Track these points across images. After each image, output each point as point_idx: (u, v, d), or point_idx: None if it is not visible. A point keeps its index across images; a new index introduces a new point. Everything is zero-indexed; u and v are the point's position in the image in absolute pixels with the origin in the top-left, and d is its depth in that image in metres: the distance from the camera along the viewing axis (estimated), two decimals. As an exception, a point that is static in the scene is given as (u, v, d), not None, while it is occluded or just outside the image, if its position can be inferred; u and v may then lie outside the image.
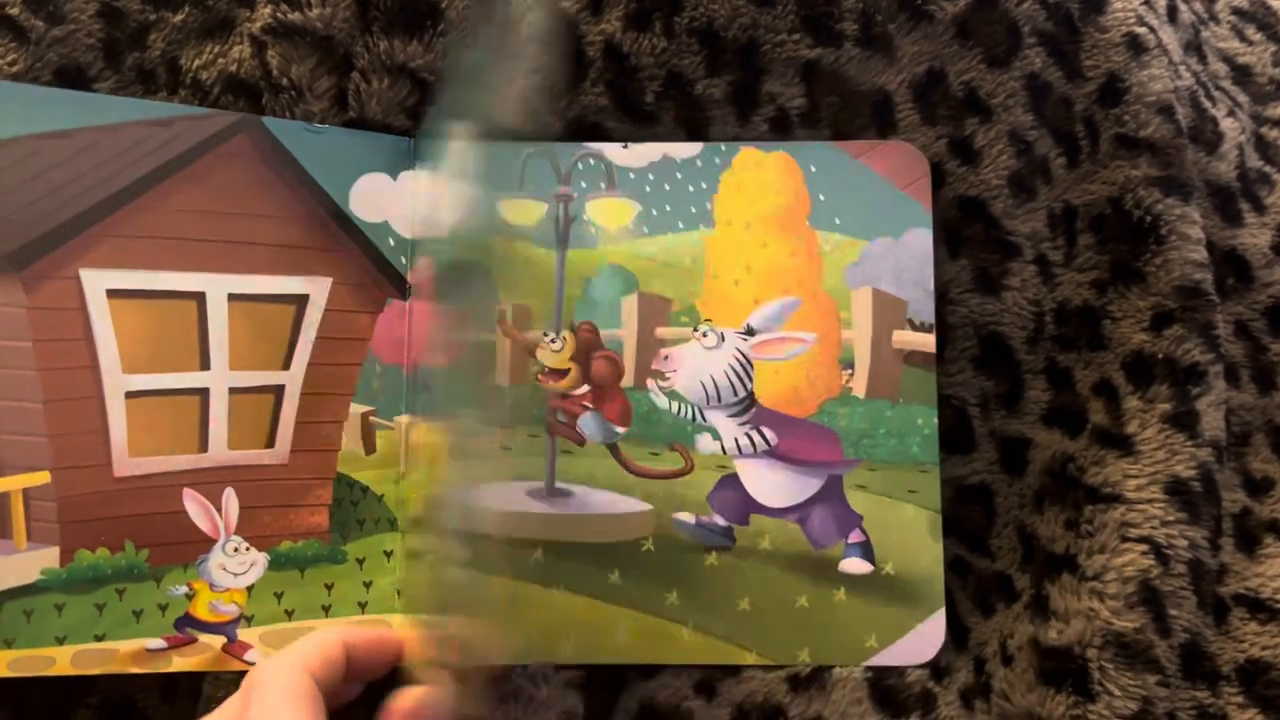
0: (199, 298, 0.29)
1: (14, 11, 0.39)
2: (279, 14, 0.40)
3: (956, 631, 0.40)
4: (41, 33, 0.39)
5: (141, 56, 0.40)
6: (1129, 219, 0.41)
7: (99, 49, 0.40)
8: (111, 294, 0.28)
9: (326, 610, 0.36)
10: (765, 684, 0.39)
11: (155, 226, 0.29)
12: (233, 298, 0.29)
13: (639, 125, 0.43)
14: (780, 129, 0.42)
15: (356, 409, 0.35)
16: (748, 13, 0.41)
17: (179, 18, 0.41)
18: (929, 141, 0.42)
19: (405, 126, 0.41)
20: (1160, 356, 0.40)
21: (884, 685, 0.39)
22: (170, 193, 0.29)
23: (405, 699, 0.32)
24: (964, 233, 0.42)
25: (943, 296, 0.42)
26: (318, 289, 0.31)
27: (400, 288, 0.34)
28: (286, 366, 0.30)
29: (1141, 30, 0.42)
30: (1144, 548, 0.38)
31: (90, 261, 0.27)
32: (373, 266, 0.33)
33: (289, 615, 0.36)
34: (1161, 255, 0.40)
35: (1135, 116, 0.41)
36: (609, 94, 0.42)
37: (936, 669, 0.40)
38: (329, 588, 0.36)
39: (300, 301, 0.31)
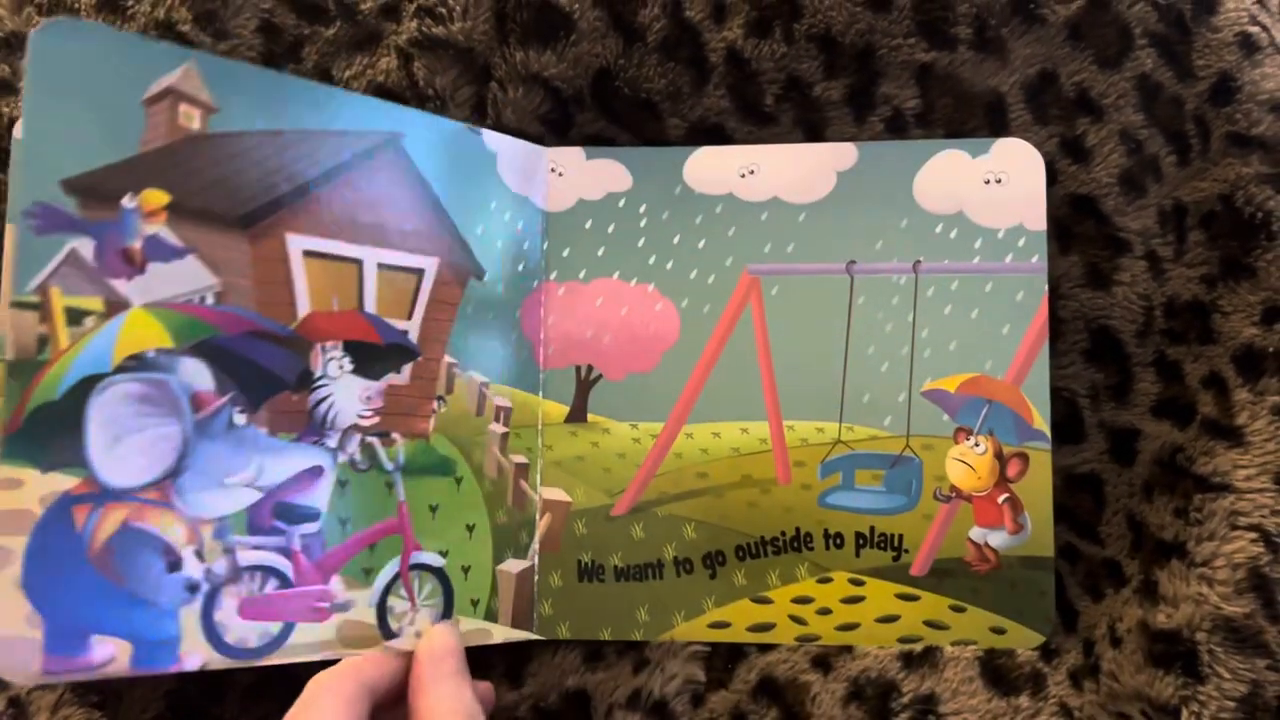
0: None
1: (185, 29, 0.41)
2: (424, 27, 0.42)
3: (1065, 614, 0.42)
4: (209, 47, 0.42)
5: (297, 68, 0.43)
6: (1240, 216, 0.41)
7: (259, 61, 0.42)
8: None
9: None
10: (879, 660, 0.40)
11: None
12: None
13: (759, 126, 0.44)
14: (895, 129, 0.44)
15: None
16: (864, 18, 0.42)
17: (331, 32, 0.43)
18: (1041, 141, 0.43)
19: (539, 133, 0.44)
20: (1271, 350, 0.40)
21: (995, 665, 0.40)
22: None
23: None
24: (1075, 229, 0.43)
25: (1054, 291, 0.43)
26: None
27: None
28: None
29: (1254, 29, 0.42)
30: (1253, 535, 0.38)
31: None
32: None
33: None
34: (1272, 251, 0.40)
35: (1247, 115, 0.41)
36: (730, 97, 0.44)
37: (1046, 650, 0.41)
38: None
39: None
